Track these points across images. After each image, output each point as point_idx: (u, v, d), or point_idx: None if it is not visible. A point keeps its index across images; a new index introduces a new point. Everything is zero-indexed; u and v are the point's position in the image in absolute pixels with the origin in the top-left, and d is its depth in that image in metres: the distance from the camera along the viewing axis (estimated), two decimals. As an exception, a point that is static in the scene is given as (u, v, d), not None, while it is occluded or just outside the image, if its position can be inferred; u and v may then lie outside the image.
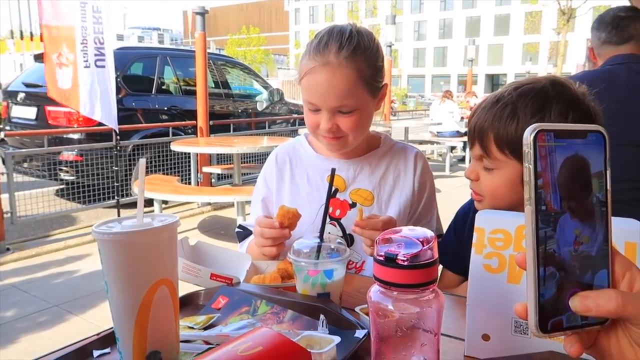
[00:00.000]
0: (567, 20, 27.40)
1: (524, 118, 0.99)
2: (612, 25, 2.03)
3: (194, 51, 5.95)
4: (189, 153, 5.77)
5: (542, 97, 0.99)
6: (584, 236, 0.46)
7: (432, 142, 9.24)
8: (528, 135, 0.44)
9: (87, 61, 4.64)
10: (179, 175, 5.65)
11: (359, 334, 0.78)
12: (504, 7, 51.52)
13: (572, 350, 0.46)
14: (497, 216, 0.77)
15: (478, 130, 1.05)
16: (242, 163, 5.66)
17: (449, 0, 55.54)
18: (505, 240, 0.74)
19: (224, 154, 6.14)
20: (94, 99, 4.66)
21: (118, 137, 4.94)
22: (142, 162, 0.68)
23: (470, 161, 1.19)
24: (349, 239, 1.28)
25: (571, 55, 33.11)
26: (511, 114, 1.00)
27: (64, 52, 4.65)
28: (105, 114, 4.72)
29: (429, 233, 0.60)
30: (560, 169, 0.45)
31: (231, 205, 5.47)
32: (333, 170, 1.02)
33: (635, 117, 1.87)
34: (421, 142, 9.09)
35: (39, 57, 6.31)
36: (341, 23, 1.25)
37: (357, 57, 1.15)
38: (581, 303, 0.45)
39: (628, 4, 2.40)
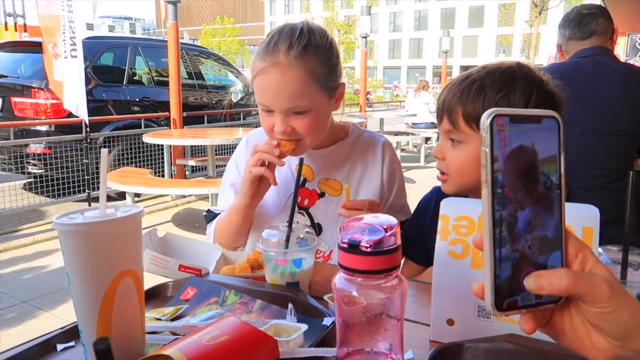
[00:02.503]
0: (539, 12, 27.89)
1: (491, 94, 1.02)
2: (575, 22, 2.11)
3: (166, 41, 5.84)
4: (162, 145, 5.68)
5: (509, 76, 1.04)
6: (539, 219, 0.47)
7: (407, 133, 9.31)
8: (485, 120, 0.45)
9: (66, 51, 4.53)
10: (151, 168, 5.57)
11: (327, 321, 0.79)
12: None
13: (526, 328, 0.48)
14: (461, 203, 0.78)
15: (447, 105, 1.08)
16: (216, 155, 5.61)
17: (424, -8, 55.88)
18: (469, 227, 0.75)
19: (198, 146, 6.08)
20: (71, 90, 4.57)
21: (88, 129, 4.83)
22: (104, 152, 0.66)
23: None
24: (317, 228, 1.29)
25: (543, 46, 33.72)
26: (478, 89, 1.03)
27: (58, 42, 4.54)
28: (75, 105, 4.61)
29: (392, 220, 0.61)
30: (516, 153, 0.45)
31: (206, 197, 5.43)
32: (301, 160, 1.02)
33: (600, 106, 1.92)
34: (396, 134, 9.16)
35: (3, 46, 6.11)
36: (294, 21, 1.23)
37: (308, 56, 1.12)
38: (535, 282, 0.46)
39: None
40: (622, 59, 10.47)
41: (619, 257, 0.75)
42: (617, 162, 1.92)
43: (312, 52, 1.13)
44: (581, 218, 0.70)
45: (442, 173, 1.13)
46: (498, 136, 0.45)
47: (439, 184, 1.38)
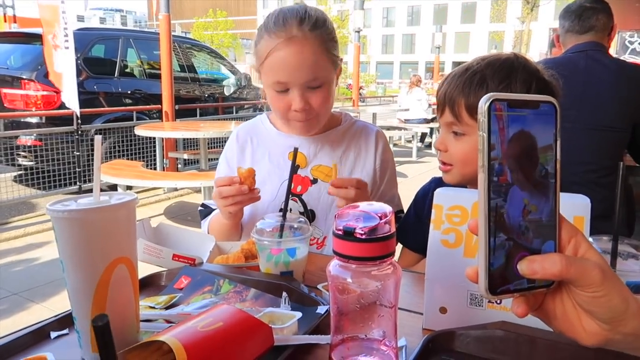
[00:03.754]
0: (531, 9, 28.00)
1: (492, 84, 1.03)
2: (575, 14, 2.11)
3: (158, 34, 5.80)
4: (154, 138, 5.65)
5: (508, 66, 1.06)
6: (533, 205, 0.47)
7: (399, 128, 9.33)
8: (483, 104, 0.45)
9: (60, 42, 4.51)
10: (143, 161, 5.54)
11: (321, 309, 0.79)
12: (471, -5, 52.18)
13: (519, 311, 0.48)
14: (454, 193, 0.79)
15: (448, 98, 1.09)
16: (208, 148, 5.59)
17: (417, -13, 55.82)
18: (462, 216, 0.76)
19: (190, 139, 6.05)
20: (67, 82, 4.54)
21: (79, 121, 4.79)
22: (98, 138, 0.66)
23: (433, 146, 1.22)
24: (310, 215, 1.29)
25: (534, 43, 33.86)
26: (480, 80, 1.05)
27: (57, 33, 4.50)
28: (67, 96, 4.58)
29: (386, 207, 0.61)
30: (513, 138, 0.46)
31: (198, 190, 5.41)
32: (296, 150, 1.02)
33: (591, 102, 1.94)
34: (389, 128, 9.17)
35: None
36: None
37: (318, 28, 1.16)
38: (528, 266, 0.47)
39: None
40: (613, 55, 10.56)
41: (608, 247, 0.76)
42: (607, 157, 1.94)
43: (320, 26, 1.17)
44: (573, 207, 0.71)
45: (444, 164, 1.13)
46: (496, 121, 0.45)
47: (432, 176, 1.39)
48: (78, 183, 4.95)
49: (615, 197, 0.76)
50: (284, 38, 1.13)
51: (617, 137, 1.95)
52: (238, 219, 1.22)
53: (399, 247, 1.32)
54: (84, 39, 5.51)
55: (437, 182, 1.32)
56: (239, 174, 1.10)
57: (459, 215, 0.76)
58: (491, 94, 0.45)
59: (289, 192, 0.97)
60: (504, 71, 1.05)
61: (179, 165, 6.26)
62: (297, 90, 1.16)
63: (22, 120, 5.18)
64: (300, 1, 1.27)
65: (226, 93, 7.43)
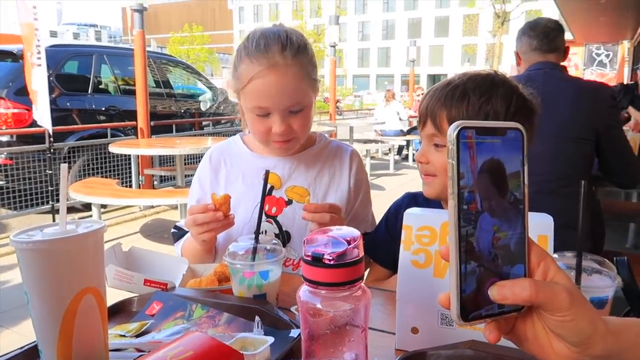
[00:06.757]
0: (502, 23, 28.71)
1: (474, 97, 1.05)
2: (543, 34, 2.24)
3: (133, 49, 5.75)
4: (129, 155, 5.57)
5: (489, 81, 1.08)
6: (502, 232, 0.48)
7: (376, 141, 9.41)
8: (451, 132, 0.46)
9: (34, 60, 4.45)
10: (118, 178, 5.45)
11: (294, 333, 0.79)
12: (444, 10, 53.22)
13: (491, 337, 0.49)
14: (423, 213, 0.80)
15: (430, 110, 1.10)
16: (185, 164, 5.54)
17: (392, 2, 56.73)
18: (431, 237, 0.77)
19: (166, 156, 5.99)
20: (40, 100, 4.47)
21: (52, 139, 4.70)
22: (64, 167, 0.65)
23: (413, 159, 1.24)
24: (285, 236, 1.29)
25: (506, 56, 34.70)
26: (461, 93, 1.06)
27: (33, 51, 4.44)
28: (39, 114, 4.50)
29: (355, 232, 0.62)
30: (482, 166, 0.47)
31: (175, 207, 5.34)
32: (267, 172, 1.02)
33: (551, 115, 2.00)
34: (366, 141, 9.25)
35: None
36: (267, 25, 1.25)
37: (300, 54, 1.17)
38: (499, 292, 0.48)
39: (554, 10, 2.61)
40: (580, 68, 10.89)
41: (573, 263, 0.78)
42: (569, 167, 2.00)
43: (301, 51, 1.18)
44: (536, 226, 0.72)
45: (428, 175, 1.14)
46: (465, 148, 0.46)
47: (408, 189, 1.40)
48: (50, 202, 4.84)
49: (577, 212, 0.78)
50: (265, 65, 1.14)
51: (576, 148, 2.02)
52: (212, 245, 1.22)
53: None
54: (56, 55, 5.43)
55: (409, 197, 1.34)
56: (213, 201, 1.09)
57: (428, 236, 0.77)
58: (459, 122, 0.46)
59: (261, 215, 0.97)
60: (485, 85, 1.07)
61: (155, 182, 6.18)
62: (278, 114, 1.17)
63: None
64: (279, 23, 1.27)
65: (202, 108, 7.39)
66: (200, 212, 1.09)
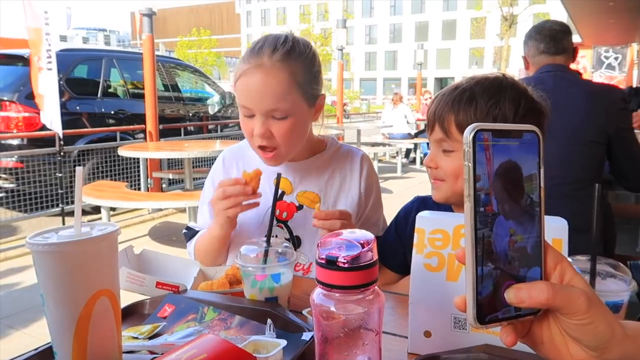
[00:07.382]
0: (509, 26, 28.65)
1: (482, 102, 1.05)
2: (550, 37, 2.22)
3: (141, 53, 5.80)
4: (138, 158, 5.61)
5: (497, 85, 1.07)
6: (519, 234, 0.48)
7: (384, 144, 9.41)
8: (467, 135, 0.46)
9: (43, 64, 4.50)
10: (127, 181, 5.49)
11: (306, 336, 0.79)
12: (451, 13, 53.14)
13: (508, 340, 0.49)
14: (436, 217, 0.80)
15: (438, 115, 1.10)
16: (193, 168, 5.56)
17: (399, 5, 56.75)
18: (444, 240, 0.77)
19: (174, 159, 6.02)
20: (48, 104, 4.52)
21: (62, 142, 4.74)
22: (79, 170, 0.66)
23: (421, 162, 1.24)
24: (296, 241, 1.29)
25: (514, 59, 34.59)
26: (469, 97, 1.06)
27: (42, 55, 4.50)
28: (48, 118, 4.54)
29: (369, 235, 0.62)
30: (498, 168, 0.46)
31: (183, 210, 5.36)
32: (279, 176, 1.02)
33: (562, 118, 1.99)
34: (373, 145, 9.24)
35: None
36: (272, 33, 1.25)
37: (291, 60, 1.15)
38: (515, 295, 0.47)
39: (562, 12, 2.60)
40: (589, 70, 10.82)
41: (587, 267, 0.78)
42: (581, 170, 1.99)
43: (295, 57, 1.16)
44: (551, 230, 0.72)
45: (437, 179, 1.14)
46: (481, 151, 0.46)
47: (417, 194, 1.40)
48: (60, 205, 4.88)
49: (591, 216, 0.77)
50: (253, 64, 1.14)
51: (589, 151, 2.01)
52: (231, 230, 1.20)
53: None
54: (66, 59, 5.48)
55: (419, 201, 1.33)
56: (244, 176, 1.11)
57: (441, 239, 0.77)
58: (475, 124, 0.46)
59: (273, 218, 0.97)
60: (493, 89, 1.06)
61: (164, 185, 6.21)
62: (259, 116, 1.16)
63: (2, 142, 5.11)
64: (290, 30, 1.27)
65: (210, 112, 7.43)
66: (230, 184, 1.11)
